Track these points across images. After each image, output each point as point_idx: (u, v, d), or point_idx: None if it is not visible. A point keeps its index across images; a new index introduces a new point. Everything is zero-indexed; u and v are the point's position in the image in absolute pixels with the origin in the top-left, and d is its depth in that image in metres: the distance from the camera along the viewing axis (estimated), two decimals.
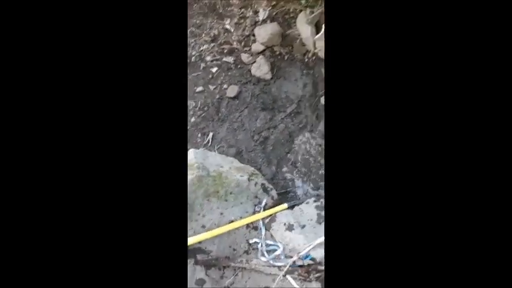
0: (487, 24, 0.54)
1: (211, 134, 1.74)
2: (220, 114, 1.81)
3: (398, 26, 0.57)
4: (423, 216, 0.55)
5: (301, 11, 1.96)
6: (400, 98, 0.57)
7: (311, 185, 1.55)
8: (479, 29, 0.54)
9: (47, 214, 0.53)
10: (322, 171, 1.58)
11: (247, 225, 1.31)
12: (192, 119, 1.82)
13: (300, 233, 1.17)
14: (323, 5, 1.85)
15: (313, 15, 1.86)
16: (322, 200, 1.32)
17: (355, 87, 0.58)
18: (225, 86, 1.88)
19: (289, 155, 1.66)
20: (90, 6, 0.56)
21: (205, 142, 1.73)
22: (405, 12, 0.57)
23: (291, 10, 2.00)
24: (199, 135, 1.78)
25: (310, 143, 1.67)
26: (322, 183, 1.56)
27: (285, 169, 1.62)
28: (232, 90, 1.84)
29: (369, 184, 0.57)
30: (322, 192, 1.53)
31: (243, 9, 2.06)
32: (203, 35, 2.03)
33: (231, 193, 1.32)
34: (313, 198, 1.34)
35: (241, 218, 1.32)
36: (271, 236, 1.26)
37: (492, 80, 0.54)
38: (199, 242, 1.22)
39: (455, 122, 0.55)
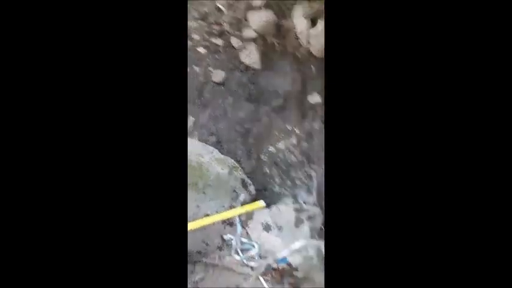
0: (487, 24, 0.53)
1: (192, 119, 1.65)
2: (202, 99, 1.71)
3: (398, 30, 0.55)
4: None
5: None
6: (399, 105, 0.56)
7: (289, 183, 1.55)
8: (478, 29, 0.53)
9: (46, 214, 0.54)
10: (301, 171, 1.58)
11: (223, 221, 1.27)
12: None
13: (277, 235, 1.16)
14: (323, 0, 1.79)
15: (310, 9, 1.80)
16: (301, 202, 1.32)
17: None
18: (210, 68, 1.77)
19: (270, 150, 1.63)
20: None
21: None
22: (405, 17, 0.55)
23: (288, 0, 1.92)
24: None
25: (293, 142, 1.65)
26: (299, 183, 1.56)
27: (265, 165, 1.59)
28: (218, 75, 1.74)
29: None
30: (297, 191, 1.53)
31: None
32: (192, 10, 1.88)
33: (209, 186, 1.27)
34: (291, 199, 1.34)
35: (217, 212, 1.27)
36: (247, 234, 1.23)
37: (491, 80, 0.53)
38: None
39: (457, 133, 0.54)
